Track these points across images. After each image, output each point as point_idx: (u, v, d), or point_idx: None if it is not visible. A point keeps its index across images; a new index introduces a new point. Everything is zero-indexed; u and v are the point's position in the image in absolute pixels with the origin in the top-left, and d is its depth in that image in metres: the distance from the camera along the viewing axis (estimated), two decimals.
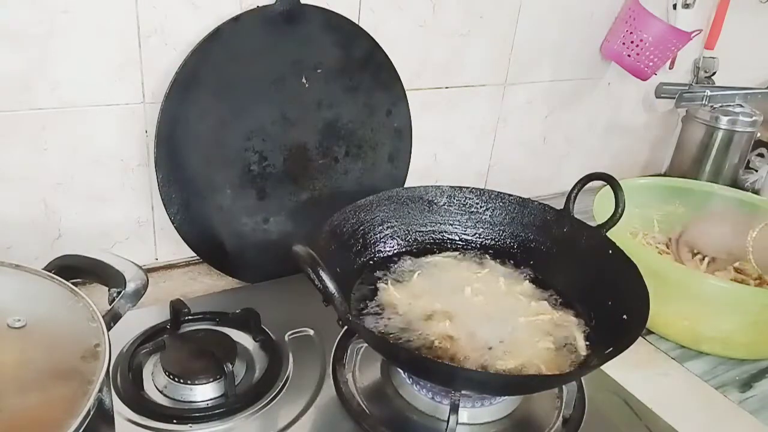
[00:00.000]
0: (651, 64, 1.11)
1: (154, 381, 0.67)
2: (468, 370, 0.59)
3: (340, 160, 0.91)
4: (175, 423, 0.62)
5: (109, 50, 0.75)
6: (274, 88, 0.83)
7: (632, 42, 1.10)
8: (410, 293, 0.74)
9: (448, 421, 0.59)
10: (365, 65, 0.89)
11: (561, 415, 0.68)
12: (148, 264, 0.89)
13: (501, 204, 0.84)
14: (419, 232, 0.84)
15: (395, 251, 0.81)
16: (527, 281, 0.78)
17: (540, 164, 1.23)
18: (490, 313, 0.72)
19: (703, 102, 1.24)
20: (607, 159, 1.33)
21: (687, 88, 1.26)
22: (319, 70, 0.85)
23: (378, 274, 0.77)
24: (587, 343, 0.69)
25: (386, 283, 0.76)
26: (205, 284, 0.87)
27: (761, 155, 1.35)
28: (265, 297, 0.82)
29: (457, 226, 0.85)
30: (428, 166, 1.08)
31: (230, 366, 0.65)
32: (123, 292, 0.54)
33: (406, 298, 0.73)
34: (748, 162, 1.32)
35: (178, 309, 0.74)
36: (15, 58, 0.70)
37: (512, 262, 0.82)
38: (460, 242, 0.85)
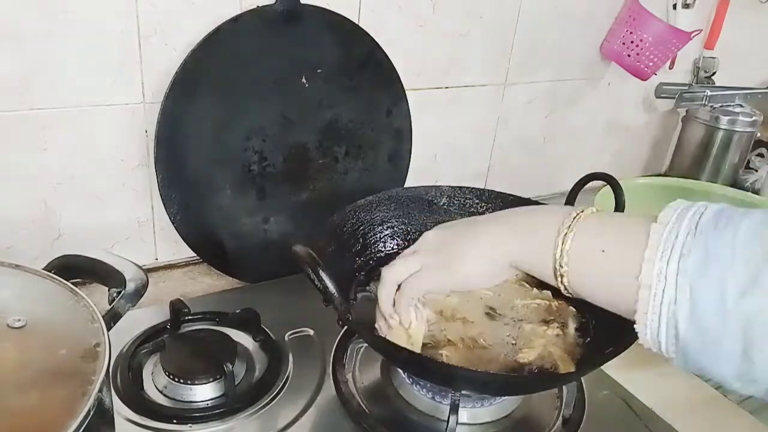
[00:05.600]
0: (651, 64, 1.11)
1: (154, 381, 0.67)
2: (468, 370, 0.59)
3: (340, 160, 0.91)
4: (175, 423, 0.62)
5: (109, 50, 0.75)
6: (274, 88, 0.83)
7: (632, 42, 1.10)
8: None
9: (448, 421, 0.60)
10: (365, 65, 0.89)
11: (561, 415, 0.68)
12: (148, 264, 0.89)
13: (501, 204, 0.84)
14: (419, 232, 0.83)
15: (395, 251, 0.81)
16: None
17: (540, 164, 1.23)
18: (489, 298, 0.73)
19: (703, 102, 1.24)
20: (607, 159, 1.33)
21: (687, 88, 1.26)
22: (319, 70, 0.85)
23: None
24: (579, 333, 0.69)
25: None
26: (205, 284, 0.87)
27: (761, 155, 1.35)
28: (265, 297, 0.82)
29: None
30: (428, 166, 1.08)
31: (230, 366, 0.65)
32: (123, 292, 0.54)
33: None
34: (748, 162, 1.32)
35: (178, 309, 0.74)
36: (15, 58, 0.70)
37: None
38: None
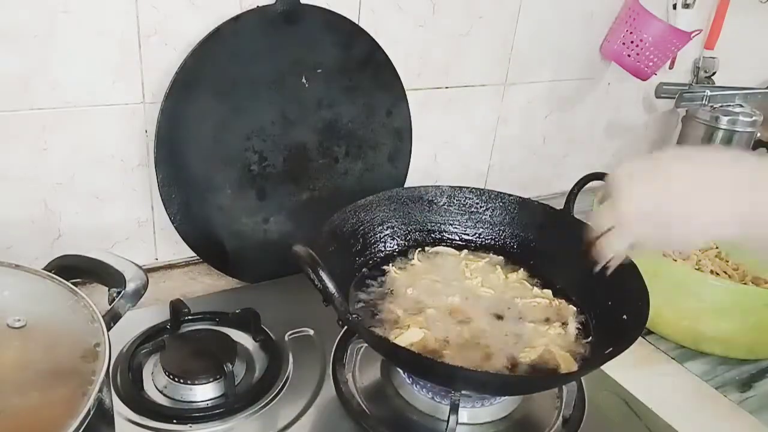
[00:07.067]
0: (651, 64, 1.11)
1: (154, 381, 0.67)
2: (468, 370, 0.59)
3: (340, 160, 0.91)
4: (175, 423, 0.62)
5: (109, 50, 0.75)
6: (274, 88, 0.83)
7: (632, 42, 1.10)
8: (412, 274, 0.77)
9: (448, 421, 0.60)
10: (365, 65, 0.89)
11: (561, 415, 0.68)
12: (148, 264, 0.89)
13: (501, 204, 0.84)
14: (419, 232, 0.84)
15: (395, 251, 0.82)
16: (522, 270, 0.80)
17: (540, 164, 1.23)
18: (490, 297, 0.74)
19: (703, 102, 1.24)
20: (607, 159, 1.33)
21: (687, 88, 1.26)
22: (319, 70, 0.85)
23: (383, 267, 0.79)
24: (579, 332, 0.69)
25: (389, 265, 0.78)
26: (205, 284, 0.87)
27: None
28: (265, 297, 0.82)
29: (457, 226, 0.85)
30: (428, 166, 1.08)
31: (230, 366, 0.65)
32: (123, 292, 0.54)
33: (408, 279, 0.76)
34: None
35: (178, 309, 0.74)
36: (15, 58, 0.70)
37: (511, 261, 0.82)
38: (460, 242, 0.85)
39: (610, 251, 0.57)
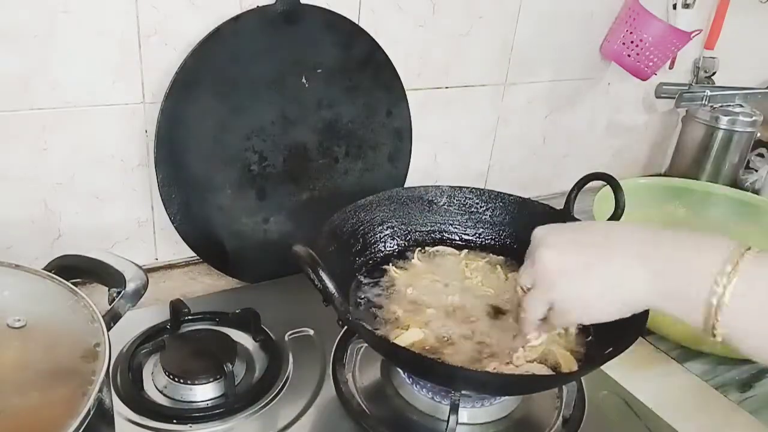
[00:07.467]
0: (651, 64, 1.11)
1: (154, 381, 0.67)
2: (468, 370, 0.59)
3: (340, 160, 0.91)
4: (175, 423, 0.62)
5: (109, 50, 0.75)
6: (274, 88, 0.83)
7: (632, 42, 1.10)
8: (412, 274, 0.78)
9: (448, 421, 0.60)
10: (365, 65, 0.89)
11: (561, 415, 0.68)
12: (148, 264, 0.89)
13: (501, 204, 0.84)
14: (419, 232, 0.84)
15: (395, 251, 0.82)
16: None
17: (540, 164, 1.23)
18: (490, 297, 0.74)
19: (703, 102, 1.24)
20: (607, 159, 1.33)
21: (687, 88, 1.26)
22: (319, 70, 0.85)
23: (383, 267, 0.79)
24: (580, 332, 0.70)
25: (389, 265, 0.78)
26: (205, 284, 0.87)
27: (761, 155, 1.35)
28: (265, 297, 0.82)
29: (457, 226, 0.85)
30: (428, 166, 1.08)
31: (230, 366, 0.65)
32: (123, 292, 0.54)
33: (408, 279, 0.76)
34: (748, 162, 1.32)
35: (178, 309, 0.74)
36: (15, 58, 0.70)
37: (511, 261, 0.82)
38: (460, 242, 0.85)
39: (531, 315, 0.57)
